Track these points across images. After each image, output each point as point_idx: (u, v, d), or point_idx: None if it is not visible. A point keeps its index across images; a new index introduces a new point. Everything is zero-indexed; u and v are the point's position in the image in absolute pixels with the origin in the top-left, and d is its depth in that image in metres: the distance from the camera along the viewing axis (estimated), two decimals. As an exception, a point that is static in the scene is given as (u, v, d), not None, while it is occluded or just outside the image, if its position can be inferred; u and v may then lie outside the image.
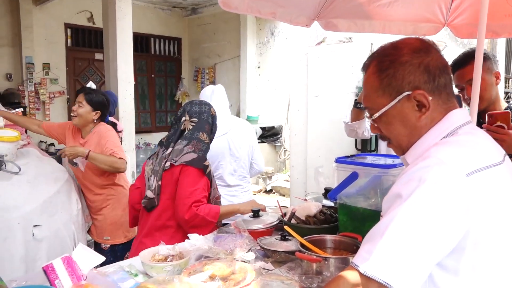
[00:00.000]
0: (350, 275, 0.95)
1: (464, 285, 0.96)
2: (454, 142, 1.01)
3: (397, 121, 1.08)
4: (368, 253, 0.94)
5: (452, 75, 1.11)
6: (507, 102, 2.45)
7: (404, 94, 1.04)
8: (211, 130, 2.31)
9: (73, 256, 1.41)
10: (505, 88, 6.98)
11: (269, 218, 2.09)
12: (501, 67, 6.32)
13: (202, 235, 1.96)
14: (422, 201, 0.92)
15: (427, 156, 0.98)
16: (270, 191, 7.64)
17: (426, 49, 1.07)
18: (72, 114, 2.94)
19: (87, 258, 1.43)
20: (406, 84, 1.04)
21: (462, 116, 1.07)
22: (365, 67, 1.14)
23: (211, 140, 2.29)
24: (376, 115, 1.10)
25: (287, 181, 7.51)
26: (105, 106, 3.00)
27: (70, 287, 1.28)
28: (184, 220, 2.04)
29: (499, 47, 6.01)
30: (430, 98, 1.04)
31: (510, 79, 7.42)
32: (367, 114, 1.17)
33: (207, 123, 2.27)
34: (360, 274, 0.93)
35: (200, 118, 2.25)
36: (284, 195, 7.29)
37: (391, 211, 0.95)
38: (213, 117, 2.32)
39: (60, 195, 2.74)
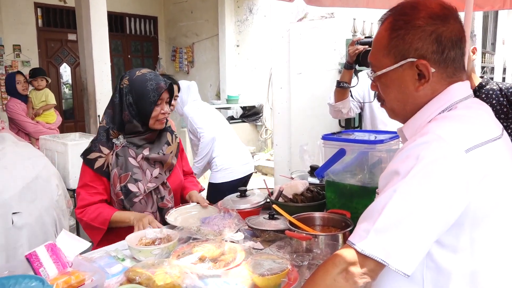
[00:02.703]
0: (347, 253, 0.94)
1: (463, 261, 0.96)
2: (452, 117, 0.99)
3: (395, 86, 1.05)
4: (365, 232, 0.92)
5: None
6: (481, 77, 2.48)
7: (408, 60, 1.01)
8: (120, 110, 1.87)
9: (57, 243, 1.36)
10: (482, 62, 7.09)
11: (256, 197, 2.08)
12: (478, 42, 6.39)
13: (95, 240, 1.85)
14: (421, 178, 0.90)
15: (425, 132, 0.96)
16: (252, 170, 7.63)
17: (444, 16, 1.01)
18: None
19: (72, 245, 1.39)
20: (412, 50, 1.00)
21: (463, 90, 1.04)
22: (382, 20, 1.08)
23: (124, 123, 1.87)
24: (376, 74, 1.07)
25: (269, 160, 7.51)
26: None
27: (55, 275, 1.24)
28: None
29: (476, 22, 6.06)
30: (433, 70, 1.00)
31: (487, 54, 7.53)
32: (371, 75, 1.11)
33: (111, 102, 1.92)
34: (357, 252, 0.92)
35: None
36: (266, 174, 7.31)
37: (389, 188, 0.93)
38: (122, 92, 1.87)
39: (39, 180, 2.66)
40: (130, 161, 1.87)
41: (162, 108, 1.89)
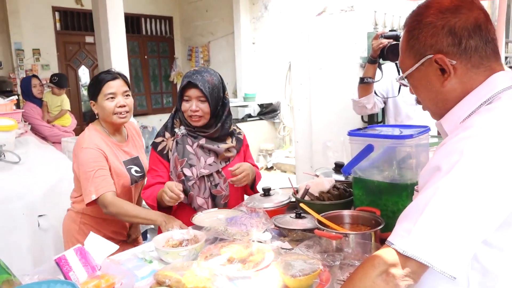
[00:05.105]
0: (386, 254, 0.90)
1: (510, 261, 0.91)
2: (496, 109, 0.93)
3: (422, 85, 1.06)
4: (406, 232, 0.88)
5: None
6: (511, 67, 2.40)
7: (426, 57, 1.01)
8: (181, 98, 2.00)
9: (86, 246, 1.35)
10: (505, 52, 6.90)
11: (279, 197, 2.03)
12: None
13: None
14: (466, 174, 0.85)
15: (469, 125, 0.91)
16: (271, 168, 7.61)
17: (454, 8, 0.98)
18: (121, 112, 2.07)
19: (100, 247, 1.38)
20: (428, 47, 1.00)
21: (506, 79, 0.99)
22: (404, 24, 1.12)
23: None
24: (401, 76, 1.10)
25: (288, 157, 7.47)
26: None
27: (85, 279, 1.23)
28: None
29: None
30: (454, 62, 0.97)
31: (510, 44, 7.33)
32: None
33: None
34: (398, 253, 0.88)
35: None
36: (285, 172, 7.27)
37: (430, 185, 0.89)
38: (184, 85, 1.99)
39: (62, 183, 2.68)
40: (187, 148, 2.01)
41: (191, 106, 1.95)
